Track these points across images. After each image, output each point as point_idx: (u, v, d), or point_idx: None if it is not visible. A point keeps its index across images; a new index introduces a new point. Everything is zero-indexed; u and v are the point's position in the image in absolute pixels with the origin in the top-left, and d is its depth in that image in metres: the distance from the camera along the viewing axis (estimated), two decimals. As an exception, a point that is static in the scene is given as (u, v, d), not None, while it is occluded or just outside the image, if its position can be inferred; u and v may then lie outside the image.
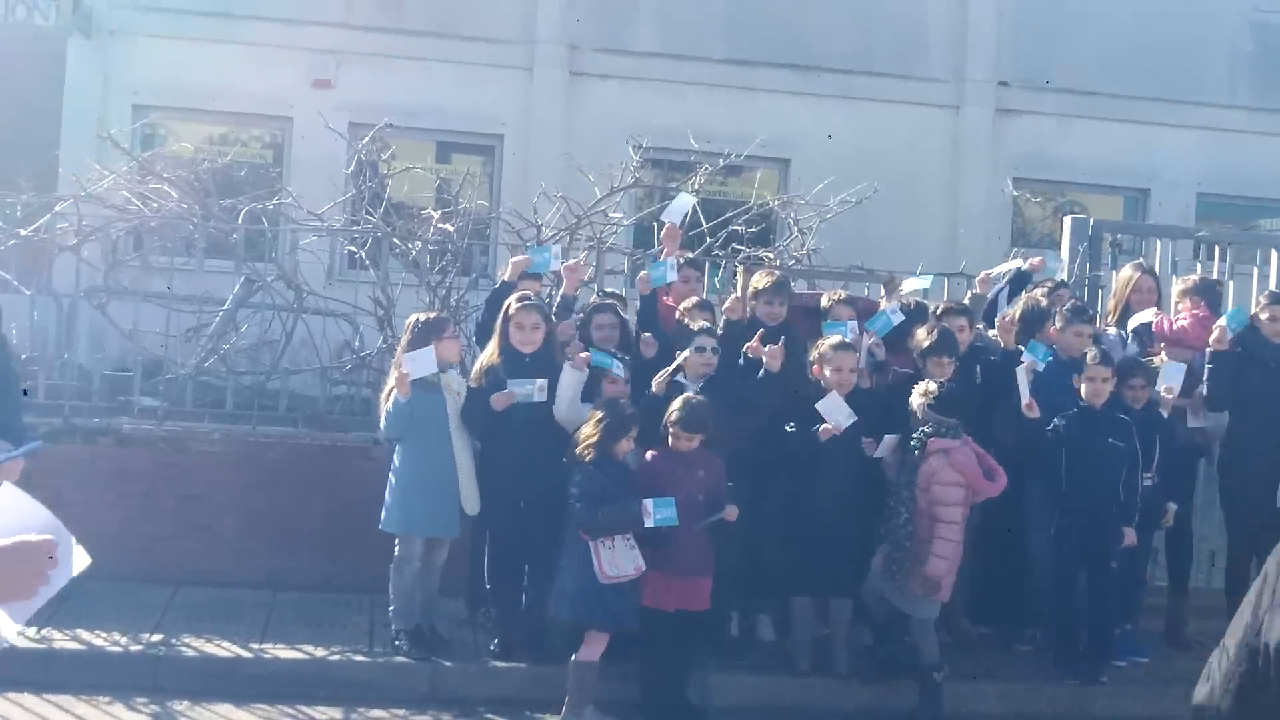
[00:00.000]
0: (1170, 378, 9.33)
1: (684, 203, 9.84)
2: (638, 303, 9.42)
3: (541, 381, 8.47)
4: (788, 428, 8.71)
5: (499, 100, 17.64)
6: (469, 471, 8.67)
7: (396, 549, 8.70)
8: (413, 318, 8.89)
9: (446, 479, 8.61)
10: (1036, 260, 10.25)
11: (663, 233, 9.59)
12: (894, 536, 8.53)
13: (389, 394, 8.64)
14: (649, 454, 8.30)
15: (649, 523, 7.81)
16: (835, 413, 8.51)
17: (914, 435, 8.58)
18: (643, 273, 9.35)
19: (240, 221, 11.00)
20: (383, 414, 8.72)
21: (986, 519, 9.16)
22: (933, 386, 8.65)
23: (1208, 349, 9.53)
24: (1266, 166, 19.44)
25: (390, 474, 8.76)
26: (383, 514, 8.73)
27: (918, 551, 8.45)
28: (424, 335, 8.58)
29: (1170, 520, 9.60)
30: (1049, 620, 9.38)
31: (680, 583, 8.14)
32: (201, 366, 10.93)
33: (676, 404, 8.25)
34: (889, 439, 8.81)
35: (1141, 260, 10.75)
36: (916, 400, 8.65)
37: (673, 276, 9.37)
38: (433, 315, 9.03)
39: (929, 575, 8.43)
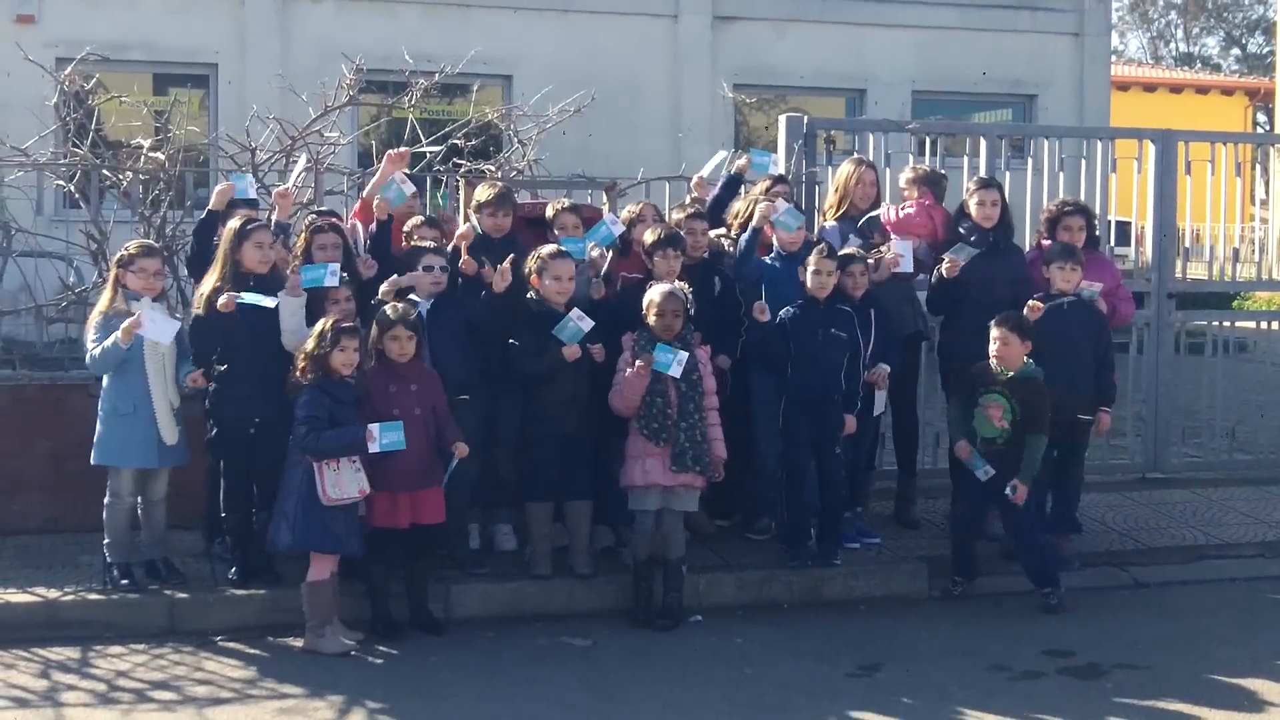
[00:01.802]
0: (901, 249, 9.71)
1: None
2: (372, 228, 9.24)
3: (273, 300, 8.34)
4: (511, 341, 8.74)
5: (211, 28, 17.41)
6: (164, 401, 8.48)
7: (108, 483, 8.56)
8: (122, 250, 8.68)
9: (145, 409, 8.45)
10: (741, 162, 10.34)
11: (386, 156, 9.45)
12: (691, 432, 8.55)
13: (95, 325, 8.43)
14: (370, 365, 8.22)
15: (374, 448, 7.76)
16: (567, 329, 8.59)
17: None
18: (379, 197, 9.14)
19: (-66, 162, 10.58)
20: (90, 347, 8.49)
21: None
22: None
23: (938, 265, 9.78)
24: (978, 62, 20.08)
25: (98, 407, 8.59)
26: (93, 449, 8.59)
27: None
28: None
29: (882, 379, 9.61)
30: (781, 509, 9.61)
31: (409, 497, 8.12)
32: (-92, 313, 10.51)
33: (386, 309, 8.21)
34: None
35: (860, 155, 10.99)
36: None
37: (410, 189, 9.26)
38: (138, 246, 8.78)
39: (718, 459, 8.66)
